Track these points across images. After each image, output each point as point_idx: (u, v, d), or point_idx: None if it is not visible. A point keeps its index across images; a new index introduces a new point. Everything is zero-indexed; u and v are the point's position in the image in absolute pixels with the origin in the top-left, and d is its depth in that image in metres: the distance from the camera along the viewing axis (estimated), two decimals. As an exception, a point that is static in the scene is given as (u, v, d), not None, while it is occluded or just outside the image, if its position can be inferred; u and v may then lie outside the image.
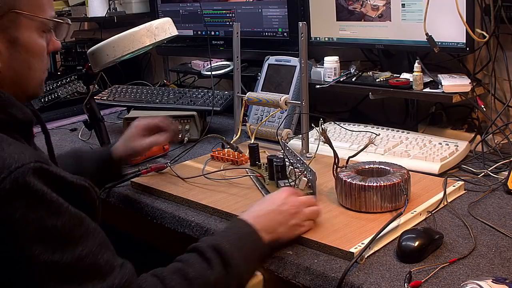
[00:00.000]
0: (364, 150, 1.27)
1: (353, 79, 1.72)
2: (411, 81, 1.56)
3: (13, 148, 0.83)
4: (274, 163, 1.28)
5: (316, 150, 1.30)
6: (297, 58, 1.72)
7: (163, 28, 1.45)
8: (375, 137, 1.47)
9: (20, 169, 0.79)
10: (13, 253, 0.78)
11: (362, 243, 1.02)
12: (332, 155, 1.24)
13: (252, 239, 1.01)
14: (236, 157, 1.50)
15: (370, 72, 1.74)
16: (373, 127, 1.63)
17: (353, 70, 1.75)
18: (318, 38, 1.82)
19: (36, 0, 0.95)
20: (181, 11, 2.25)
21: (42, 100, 2.12)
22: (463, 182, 1.29)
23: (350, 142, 1.54)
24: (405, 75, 1.63)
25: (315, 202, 1.14)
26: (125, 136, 1.43)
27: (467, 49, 1.49)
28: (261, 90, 1.81)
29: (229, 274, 0.94)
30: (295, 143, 1.56)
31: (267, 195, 1.12)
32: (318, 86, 1.72)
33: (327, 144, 1.24)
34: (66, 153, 1.42)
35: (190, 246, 0.98)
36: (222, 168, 1.45)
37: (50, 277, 0.79)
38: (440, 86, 1.52)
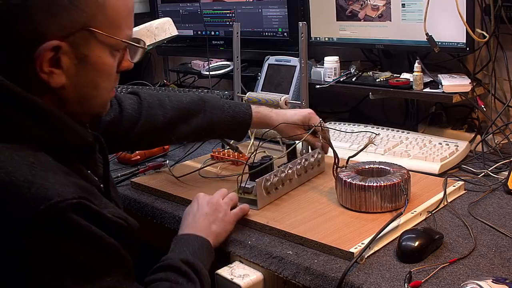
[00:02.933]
0: (364, 150, 1.27)
1: (353, 79, 1.72)
2: (411, 81, 1.56)
3: (58, 179, 0.80)
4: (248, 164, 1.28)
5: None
6: (297, 58, 1.72)
7: (163, 28, 1.46)
8: (375, 137, 1.47)
9: (61, 204, 0.77)
10: (42, 285, 0.77)
11: (362, 243, 1.02)
12: (332, 155, 1.24)
13: (206, 247, 1.07)
14: (236, 157, 1.50)
15: (370, 72, 1.74)
16: (373, 127, 1.63)
17: (353, 70, 1.75)
18: (318, 38, 1.82)
19: (113, 19, 0.88)
20: (181, 11, 2.25)
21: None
22: (463, 182, 1.29)
23: (350, 142, 1.55)
24: (405, 75, 1.63)
25: (225, 191, 1.20)
26: (290, 113, 1.39)
27: (467, 49, 1.49)
28: (261, 90, 1.81)
29: (202, 282, 1.00)
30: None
31: (186, 209, 1.17)
32: (318, 86, 1.72)
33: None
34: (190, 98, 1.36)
35: (163, 263, 1.01)
36: (219, 168, 1.45)
37: None
38: (440, 86, 1.52)
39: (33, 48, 0.82)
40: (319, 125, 1.32)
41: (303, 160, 1.34)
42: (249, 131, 1.65)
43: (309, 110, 1.41)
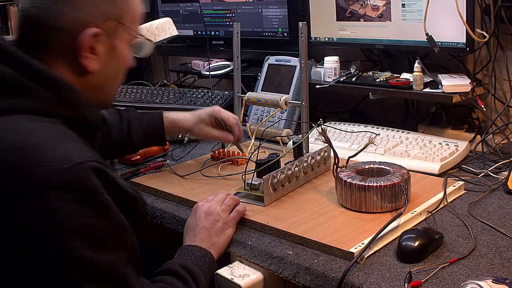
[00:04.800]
0: (364, 150, 1.26)
1: (353, 79, 1.72)
2: (411, 81, 1.56)
3: (79, 145, 0.88)
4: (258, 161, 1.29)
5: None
6: (297, 58, 1.72)
7: (163, 28, 1.46)
8: (375, 137, 1.47)
9: (82, 165, 0.83)
10: (52, 242, 0.80)
11: (362, 243, 1.02)
12: (332, 155, 1.24)
13: (208, 259, 1.08)
14: (235, 155, 1.51)
15: (370, 72, 1.74)
16: (373, 127, 1.63)
17: (353, 70, 1.75)
18: (318, 38, 1.82)
19: (135, 15, 1.02)
20: (181, 11, 2.25)
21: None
22: (463, 182, 1.29)
23: (350, 142, 1.55)
24: (405, 75, 1.63)
25: (223, 197, 1.19)
26: (198, 114, 1.47)
27: (467, 49, 1.49)
28: (261, 90, 1.81)
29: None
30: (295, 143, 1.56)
31: (187, 222, 1.18)
32: (318, 86, 1.72)
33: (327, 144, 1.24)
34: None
35: (163, 268, 1.03)
36: (219, 168, 1.46)
37: (81, 272, 0.81)
38: (440, 86, 1.52)
39: (77, 34, 0.93)
40: (322, 124, 1.32)
41: (310, 158, 1.35)
42: (249, 131, 1.65)
43: (215, 107, 1.50)
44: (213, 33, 2.17)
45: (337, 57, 1.75)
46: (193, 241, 1.11)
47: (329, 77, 1.74)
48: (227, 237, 1.14)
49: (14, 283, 0.83)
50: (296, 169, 1.31)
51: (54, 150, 0.83)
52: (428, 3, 1.47)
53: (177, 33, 1.56)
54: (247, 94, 1.63)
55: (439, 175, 1.34)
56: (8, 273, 0.82)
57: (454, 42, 1.51)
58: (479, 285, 0.85)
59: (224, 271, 1.07)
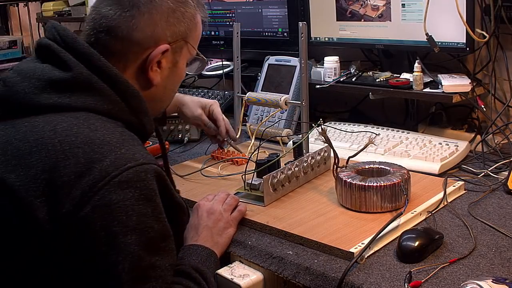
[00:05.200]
0: (364, 150, 1.27)
1: (353, 79, 1.72)
2: (411, 81, 1.56)
3: (143, 148, 0.93)
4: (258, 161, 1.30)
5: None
6: (297, 58, 1.72)
7: (163, 28, 1.45)
8: (375, 137, 1.47)
9: (146, 166, 0.87)
10: (108, 235, 0.82)
11: (362, 243, 1.02)
12: (332, 155, 1.24)
13: (213, 259, 1.08)
14: (235, 155, 1.51)
15: (370, 72, 1.74)
16: (373, 127, 1.63)
17: (353, 70, 1.75)
18: (318, 38, 1.82)
19: (198, 35, 1.09)
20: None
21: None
22: (463, 182, 1.29)
23: (350, 142, 1.55)
24: (405, 75, 1.63)
25: (223, 197, 1.20)
26: (198, 98, 1.54)
27: (467, 49, 1.49)
28: (261, 90, 1.81)
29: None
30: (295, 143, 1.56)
31: (190, 221, 1.18)
32: (318, 86, 1.72)
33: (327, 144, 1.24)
34: None
35: (176, 267, 1.03)
36: (219, 168, 1.46)
37: (130, 267, 0.83)
38: (440, 86, 1.52)
39: (150, 49, 0.99)
40: (322, 124, 1.32)
41: (310, 158, 1.35)
42: (249, 131, 1.65)
43: (215, 101, 1.56)
44: (213, 33, 2.16)
45: (337, 57, 1.75)
46: (196, 241, 1.11)
47: (329, 77, 1.74)
48: (229, 236, 1.14)
49: (62, 270, 0.85)
50: (296, 169, 1.31)
51: (121, 149, 0.87)
52: (428, 3, 1.47)
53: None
54: (247, 94, 1.63)
55: (439, 175, 1.34)
56: (58, 261, 0.84)
57: (454, 42, 1.51)
58: (479, 285, 0.85)
59: (224, 271, 1.07)
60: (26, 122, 0.90)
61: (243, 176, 1.28)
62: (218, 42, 2.16)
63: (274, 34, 1.98)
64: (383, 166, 1.24)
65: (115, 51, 0.99)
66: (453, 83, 1.50)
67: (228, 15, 2.09)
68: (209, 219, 1.14)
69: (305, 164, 1.33)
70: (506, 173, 1.28)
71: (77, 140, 0.86)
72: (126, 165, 0.85)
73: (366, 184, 1.15)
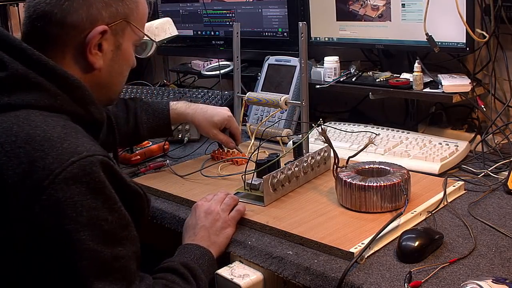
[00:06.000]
0: (364, 150, 1.26)
1: (353, 79, 1.72)
2: (411, 81, 1.56)
3: (87, 140, 0.90)
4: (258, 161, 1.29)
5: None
6: (297, 58, 1.72)
7: (163, 28, 1.46)
8: (375, 137, 1.47)
9: (90, 158, 0.85)
10: (61, 234, 0.82)
11: (362, 243, 1.02)
12: (332, 155, 1.24)
13: (207, 258, 1.08)
14: (235, 155, 1.51)
15: (370, 72, 1.74)
16: (373, 127, 1.63)
17: (353, 70, 1.75)
18: (318, 38, 1.82)
19: (142, 16, 1.05)
20: (181, 11, 2.25)
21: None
22: (463, 182, 1.29)
23: (350, 142, 1.55)
24: (405, 75, 1.63)
25: (222, 196, 1.19)
26: (211, 116, 1.49)
27: (467, 49, 1.49)
28: (261, 90, 1.81)
29: (199, 286, 1.02)
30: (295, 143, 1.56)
31: (186, 222, 1.19)
32: (318, 86, 1.72)
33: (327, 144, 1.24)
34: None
35: (162, 265, 1.04)
36: (219, 168, 1.46)
37: (89, 264, 0.83)
38: (440, 86, 1.52)
39: (86, 32, 0.96)
40: (322, 124, 1.32)
41: (310, 158, 1.35)
42: (249, 131, 1.65)
43: (229, 113, 1.52)
44: (213, 33, 2.16)
45: (337, 57, 1.75)
46: (193, 240, 1.12)
47: (329, 77, 1.74)
48: (227, 236, 1.14)
49: (21, 274, 0.84)
50: (296, 169, 1.31)
51: (63, 144, 0.85)
52: (428, 3, 1.47)
53: (177, 33, 1.56)
54: (247, 94, 1.63)
55: (439, 175, 1.34)
56: (15, 265, 0.84)
57: (454, 42, 1.51)
58: (479, 285, 0.85)
59: (224, 271, 1.07)
60: None
61: (243, 176, 1.28)
62: (218, 42, 2.16)
63: (274, 34, 1.98)
64: (383, 166, 1.24)
65: (52, 37, 0.96)
66: (453, 83, 1.50)
67: (228, 15, 2.09)
68: (206, 219, 1.14)
69: (305, 164, 1.33)
70: (506, 173, 1.28)
71: (18, 140, 0.85)
72: (69, 160, 0.83)
73: (366, 184, 1.15)
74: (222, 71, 2.07)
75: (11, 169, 0.83)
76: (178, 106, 1.50)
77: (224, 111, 1.51)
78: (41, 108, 0.91)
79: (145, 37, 1.08)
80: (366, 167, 1.25)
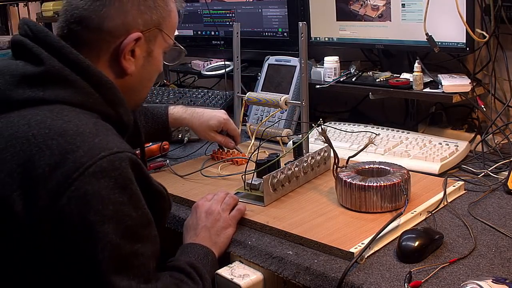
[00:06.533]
0: (364, 150, 1.26)
1: (353, 79, 1.72)
2: (411, 81, 1.56)
3: (117, 138, 0.92)
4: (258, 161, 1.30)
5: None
6: (297, 58, 1.72)
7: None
8: (375, 137, 1.47)
9: (120, 154, 0.87)
10: (85, 225, 0.83)
11: (362, 243, 1.02)
12: (332, 155, 1.24)
13: (210, 258, 1.08)
14: (235, 155, 1.51)
15: (370, 72, 1.74)
16: (373, 127, 1.63)
17: (353, 70, 1.75)
18: (318, 38, 1.82)
19: (173, 24, 1.09)
20: (181, 11, 2.24)
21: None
22: (463, 182, 1.29)
23: (350, 142, 1.55)
24: (405, 75, 1.63)
25: (222, 196, 1.20)
26: (208, 120, 1.52)
27: (467, 49, 1.49)
28: (261, 90, 1.81)
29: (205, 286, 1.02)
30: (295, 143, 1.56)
31: (186, 222, 1.19)
32: (318, 86, 1.72)
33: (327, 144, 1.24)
34: None
35: (168, 264, 1.04)
36: (219, 168, 1.46)
37: (109, 257, 0.83)
38: (440, 86, 1.52)
39: (122, 37, 0.99)
40: (322, 124, 1.32)
41: (310, 158, 1.35)
42: (249, 131, 1.65)
43: (225, 116, 1.55)
44: (213, 33, 2.16)
45: (337, 57, 1.75)
46: (194, 240, 1.12)
47: (329, 77, 1.74)
48: (228, 236, 1.14)
49: (41, 264, 0.85)
50: (296, 169, 1.31)
51: (94, 139, 0.87)
52: (428, 3, 1.47)
53: (177, 33, 1.55)
54: (247, 94, 1.63)
55: (439, 175, 1.34)
56: (37, 255, 0.85)
57: (454, 42, 1.51)
58: (479, 285, 0.85)
59: (224, 271, 1.07)
60: (2, 119, 0.91)
61: (243, 176, 1.28)
62: (218, 42, 2.16)
63: (274, 34, 1.98)
64: (383, 166, 1.24)
65: (88, 41, 0.99)
66: (453, 83, 1.50)
67: (228, 15, 2.09)
68: (207, 219, 1.14)
69: (305, 164, 1.33)
70: (506, 173, 1.28)
71: (51, 132, 0.86)
72: (99, 154, 0.85)
73: (366, 184, 1.15)
74: (222, 71, 2.08)
75: (43, 159, 0.84)
76: (175, 110, 1.53)
77: (220, 114, 1.54)
78: (74, 104, 0.93)
79: (175, 45, 1.11)
80: (366, 167, 1.25)
